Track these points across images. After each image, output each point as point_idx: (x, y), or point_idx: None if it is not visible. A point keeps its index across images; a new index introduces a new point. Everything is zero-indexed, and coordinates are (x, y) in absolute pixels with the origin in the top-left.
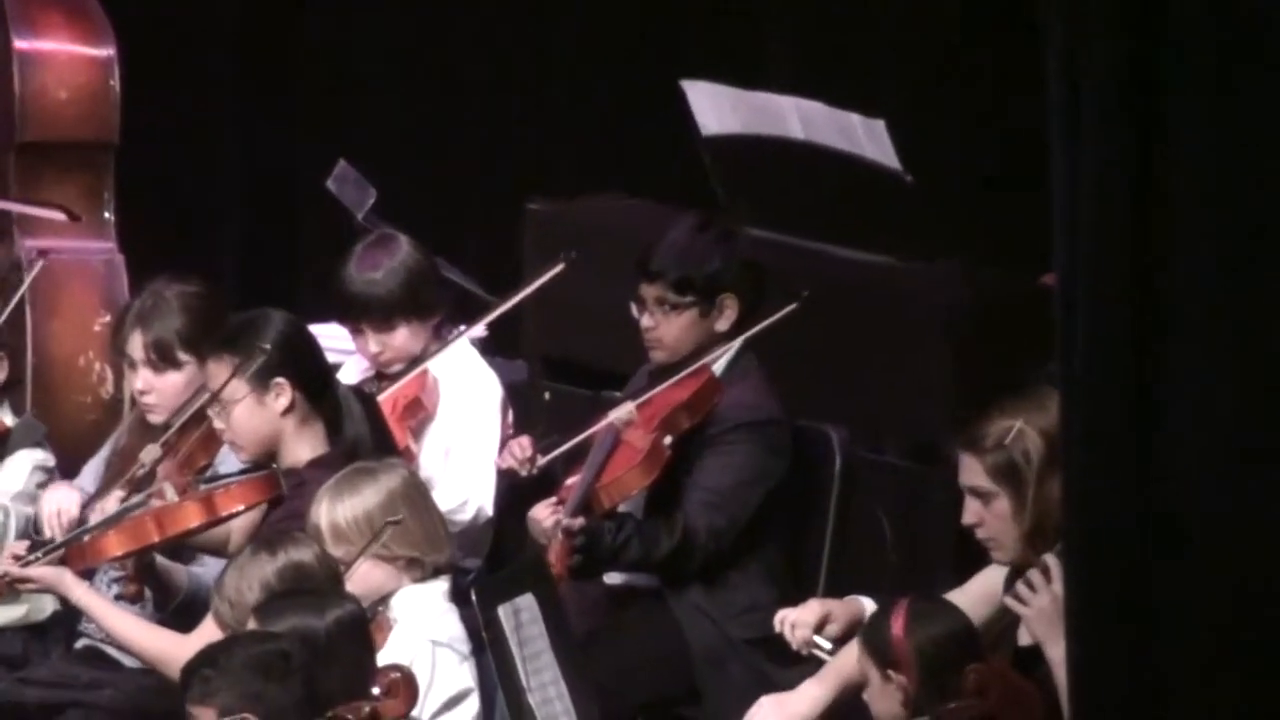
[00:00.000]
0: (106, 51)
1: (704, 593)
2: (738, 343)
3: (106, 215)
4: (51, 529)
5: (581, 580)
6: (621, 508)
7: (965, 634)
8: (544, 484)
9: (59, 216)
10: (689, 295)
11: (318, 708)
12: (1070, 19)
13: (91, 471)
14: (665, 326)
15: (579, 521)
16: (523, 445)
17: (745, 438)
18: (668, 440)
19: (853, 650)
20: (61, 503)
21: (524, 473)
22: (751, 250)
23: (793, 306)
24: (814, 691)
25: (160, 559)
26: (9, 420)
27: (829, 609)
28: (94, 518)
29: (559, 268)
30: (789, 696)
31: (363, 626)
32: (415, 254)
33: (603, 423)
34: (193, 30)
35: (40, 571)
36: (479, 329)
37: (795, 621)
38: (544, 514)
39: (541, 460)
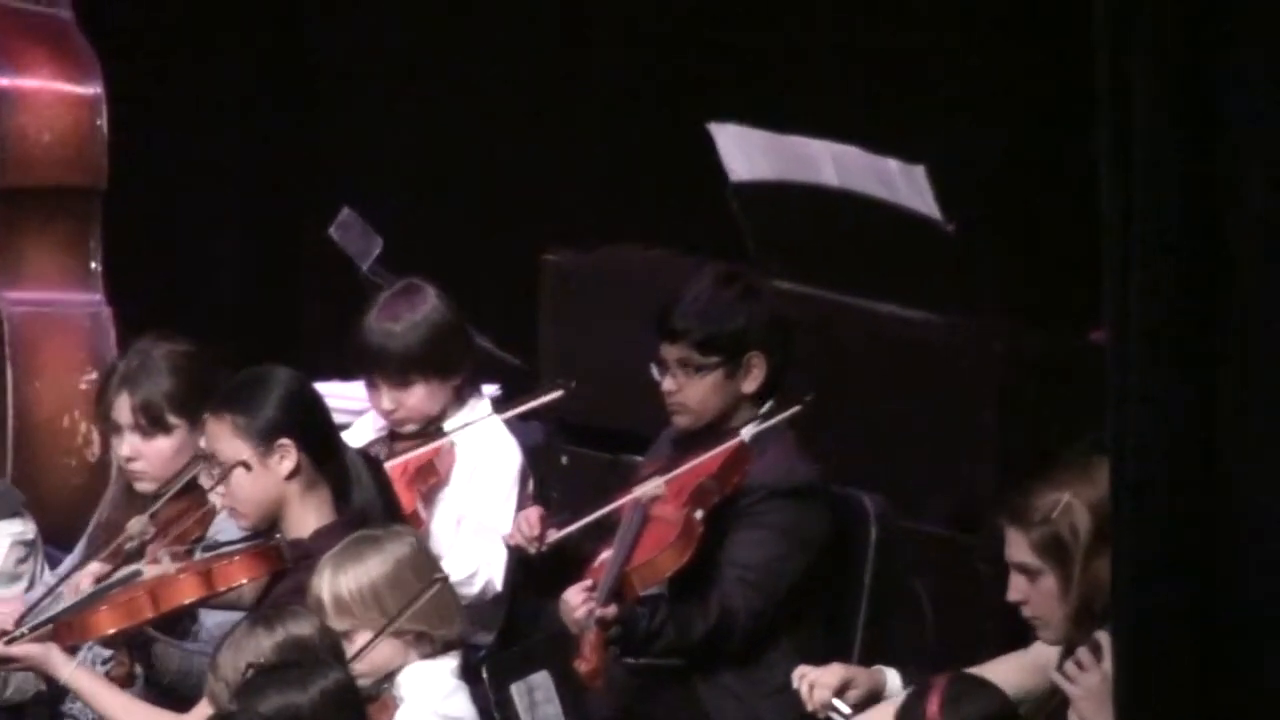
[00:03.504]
0: (93, 90)
1: (734, 672)
2: (777, 419)
3: (93, 265)
4: None
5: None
6: None
7: (1005, 714)
8: (558, 558)
9: None
10: (714, 356)
11: None
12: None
13: (79, 552)
14: (689, 389)
15: (612, 611)
16: (530, 522)
17: (780, 506)
18: (700, 515)
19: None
20: None
21: (532, 550)
22: (781, 305)
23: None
24: None
25: (153, 634)
26: None
27: (852, 674)
28: (69, 593)
29: (556, 394)
30: None
31: (352, 697)
32: (441, 308)
33: (628, 498)
34: (187, 67)
35: (26, 649)
36: (495, 390)
37: (815, 681)
38: (576, 600)
39: (553, 537)
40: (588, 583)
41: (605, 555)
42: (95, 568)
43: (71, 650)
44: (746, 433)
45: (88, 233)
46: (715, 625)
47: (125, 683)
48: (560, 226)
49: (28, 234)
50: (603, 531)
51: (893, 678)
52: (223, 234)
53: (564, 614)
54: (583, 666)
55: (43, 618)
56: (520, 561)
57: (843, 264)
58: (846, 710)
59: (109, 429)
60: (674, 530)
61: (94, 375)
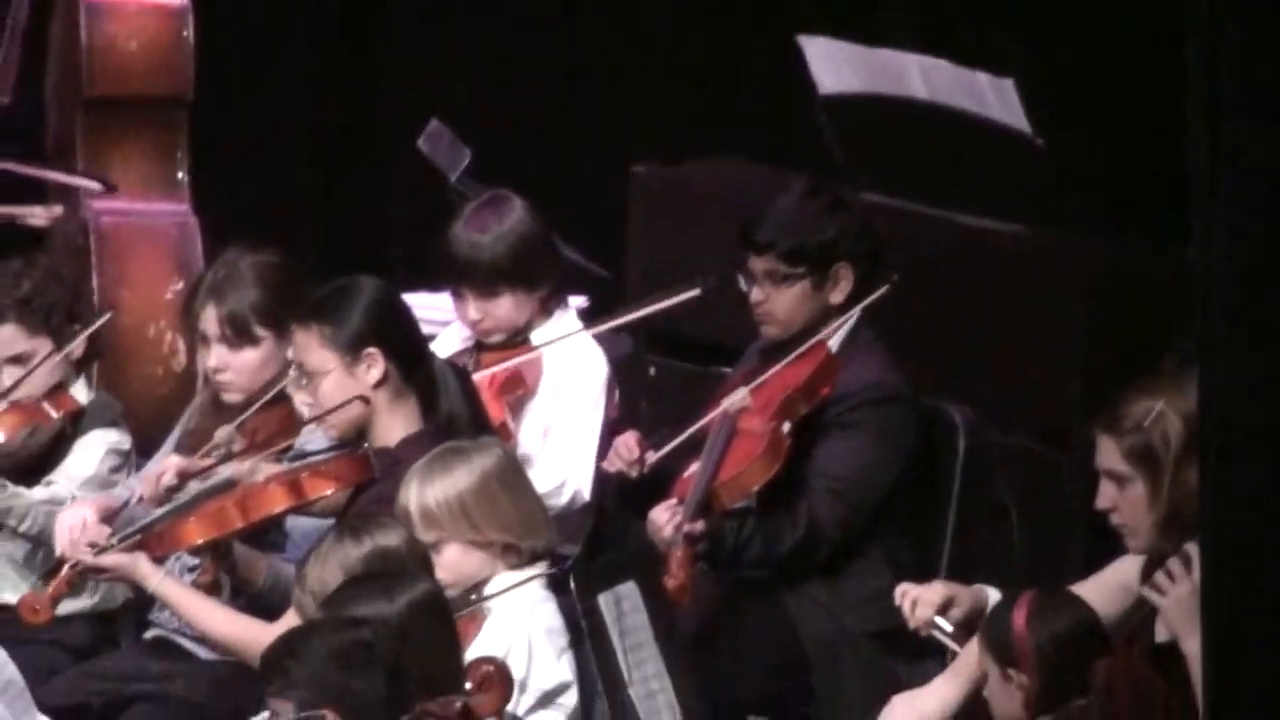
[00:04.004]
0: (179, 0)
1: (821, 583)
2: (855, 313)
3: (180, 176)
4: (62, 546)
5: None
6: None
7: (1091, 629)
8: (656, 478)
9: (94, 186)
10: (801, 266)
11: (403, 702)
12: None
13: (162, 458)
14: (776, 300)
15: (700, 527)
16: (629, 446)
17: (869, 417)
18: (787, 428)
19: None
20: (74, 520)
21: (633, 474)
22: (868, 216)
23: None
24: (946, 689)
25: (239, 546)
26: (84, 397)
27: (954, 592)
28: (145, 481)
29: (694, 292)
30: (921, 693)
31: (441, 609)
32: (528, 219)
33: (716, 411)
34: None
35: (115, 559)
36: (582, 301)
37: (918, 599)
38: (663, 518)
39: (652, 459)
40: (674, 500)
41: (693, 470)
42: (176, 460)
43: (159, 560)
44: (833, 342)
45: (174, 143)
46: (803, 537)
47: (211, 591)
48: (649, 139)
49: (115, 143)
50: (694, 445)
51: (994, 596)
52: (310, 145)
53: (651, 531)
54: (670, 583)
55: (132, 528)
56: (619, 485)
57: (931, 177)
58: (948, 628)
59: (196, 340)
60: (761, 444)
61: (180, 285)
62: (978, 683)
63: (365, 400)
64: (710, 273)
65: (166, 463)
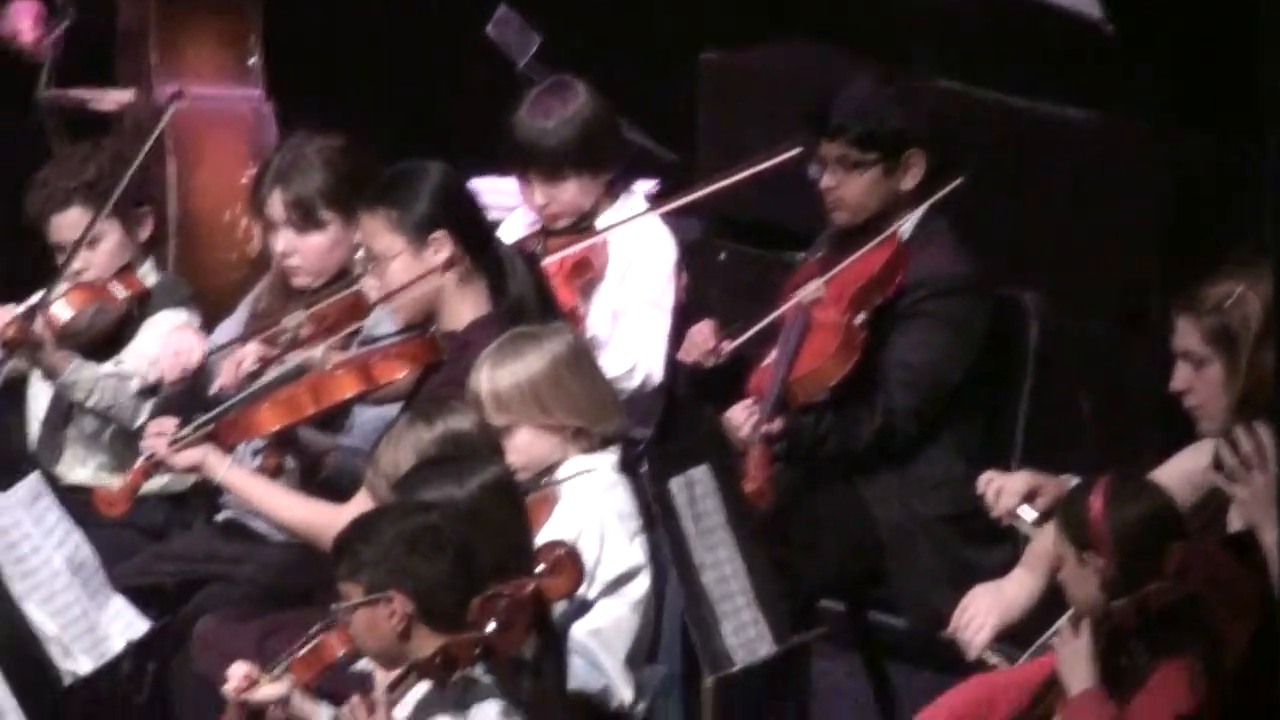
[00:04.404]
0: None
1: (893, 469)
2: (928, 204)
3: (253, 61)
4: (166, 370)
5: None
6: None
7: (1168, 514)
8: (731, 367)
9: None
10: (872, 153)
11: (476, 582)
12: None
13: (226, 334)
14: (847, 186)
15: (777, 425)
16: (705, 335)
17: (941, 307)
18: (860, 319)
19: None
20: (181, 344)
21: (709, 364)
22: (941, 103)
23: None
24: (1027, 578)
25: (306, 430)
26: (152, 279)
27: (1039, 483)
28: (222, 369)
29: (795, 151)
30: (1003, 583)
31: (511, 493)
32: (593, 104)
33: (790, 304)
34: None
35: (185, 455)
36: (652, 187)
37: (1003, 488)
38: (740, 418)
39: (727, 348)
40: (750, 400)
41: (768, 363)
42: (256, 347)
43: (230, 448)
44: (905, 230)
45: (248, 27)
46: (879, 428)
47: (276, 475)
48: (720, 23)
49: (188, 28)
50: (769, 334)
51: None
52: (380, 30)
53: (729, 431)
54: (750, 485)
55: (204, 418)
56: (693, 374)
57: (1004, 63)
58: (1031, 516)
59: (265, 224)
60: (836, 338)
61: (255, 170)
62: (1056, 571)
63: (433, 282)
64: (804, 139)
65: (246, 349)
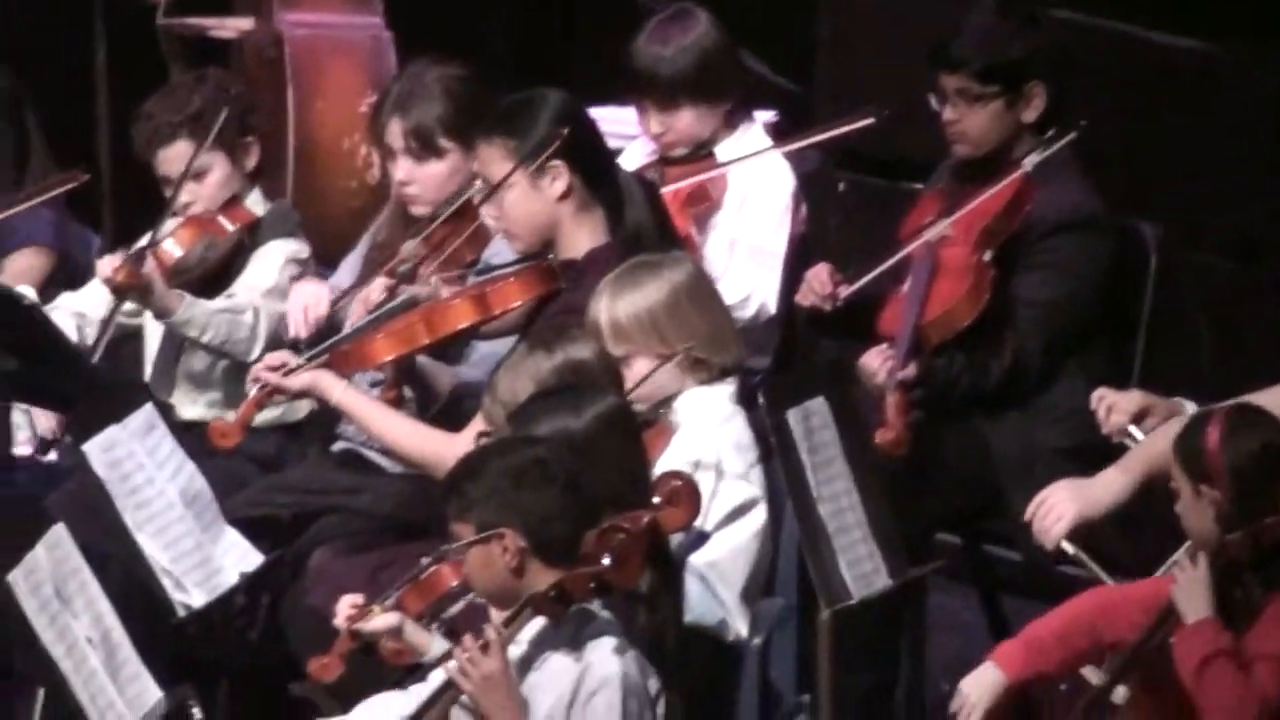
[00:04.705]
0: None
1: (1017, 402)
2: (1051, 141)
3: None
4: (297, 327)
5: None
6: None
7: None
8: (850, 308)
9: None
10: (993, 85)
11: (589, 515)
12: None
13: (348, 269)
14: (969, 119)
15: (912, 371)
16: (821, 280)
17: (1067, 240)
18: (988, 256)
19: (1161, 440)
20: (309, 298)
21: (826, 308)
22: (1061, 34)
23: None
24: (1117, 479)
25: (423, 360)
26: (260, 209)
27: (1151, 403)
28: (352, 311)
29: (868, 120)
30: (1089, 482)
31: (627, 422)
32: (713, 33)
33: (916, 243)
34: None
35: (301, 379)
36: (771, 117)
37: (1114, 405)
38: (875, 363)
39: (845, 292)
40: (884, 346)
41: (895, 305)
42: (382, 280)
43: (345, 378)
44: (1028, 163)
45: None
46: (1010, 367)
47: (395, 405)
48: None
49: None
50: (888, 275)
51: (1191, 410)
52: None
53: (863, 378)
54: (888, 435)
55: (319, 348)
56: (810, 316)
57: None
58: (1140, 437)
59: (384, 153)
60: (966, 279)
61: (374, 98)
62: (1150, 477)
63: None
64: (886, 101)
65: (372, 284)
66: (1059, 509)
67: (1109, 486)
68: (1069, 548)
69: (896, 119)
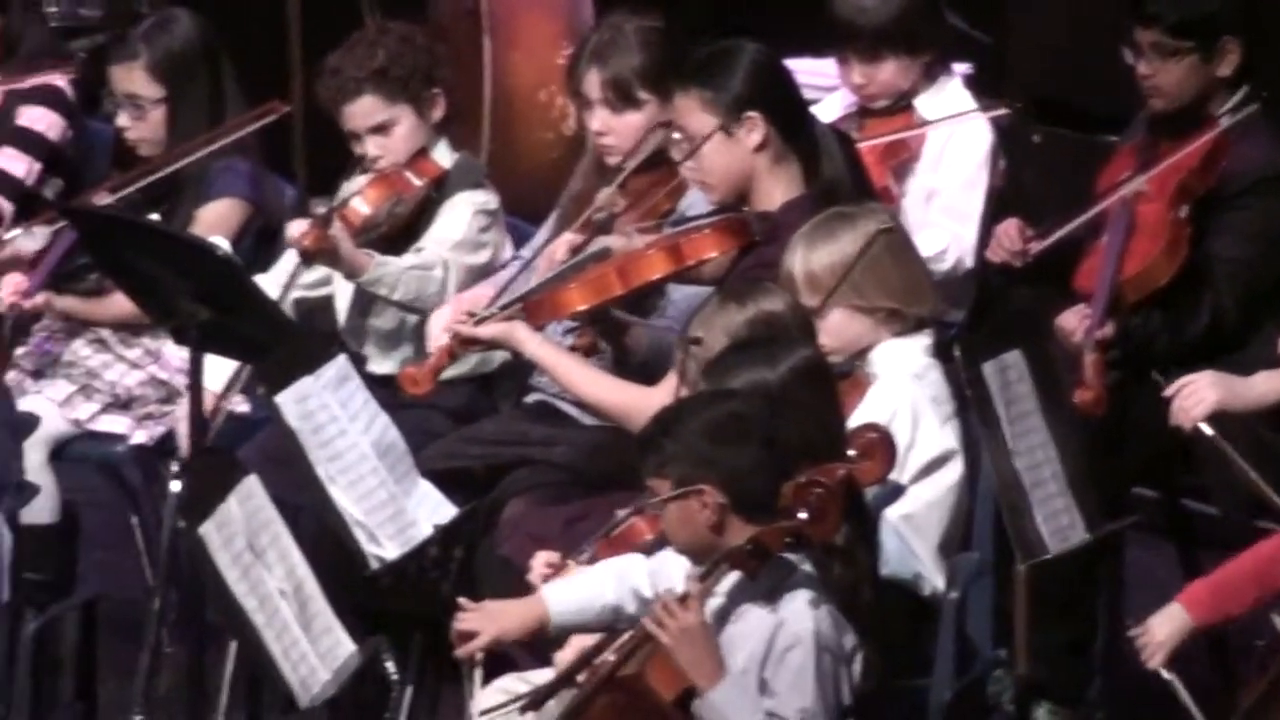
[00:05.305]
0: None
1: (1213, 357)
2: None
3: None
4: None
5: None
6: None
7: None
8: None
9: None
10: (1187, 40)
11: (785, 468)
12: None
13: (544, 236)
14: (1164, 74)
15: (1109, 330)
16: (1011, 236)
17: (1263, 195)
18: (1184, 212)
19: None
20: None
21: (1017, 264)
22: None
23: None
24: (1268, 380)
25: (617, 312)
26: (447, 161)
27: (1229, 397)
28: (543, 264)
29: (1001, 110)
30: (1237, 379)
31: (821, 374)
32: None
33: (1111, 199)
34: None
35: (493, 328)
36: (966, 68)
37: (1195, 392)
38: (1073, 322)
39: (1036, 249)
40: (1081, 306)
41: (1092, 260)
42: (570, 237)
43: (539, 329)
44: (1225, 120)
45: None
46: (1208, 324)
47: (588, 356)
48: None
49: None
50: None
51: None
52: None
53: (1061, 337)
54: (1086, 395)
55: (511, 297)
56: (1003, 271)
57: None
58: (1210, 432)
59: (580, 103)
60: (1162, 236)
61: (571, 50)
62: None
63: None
64: (1022, 98)
65: (560, 240)
66: (1201, 392)
67: (1256, 385)
68: (1207, 429)
69: (1091, 69)
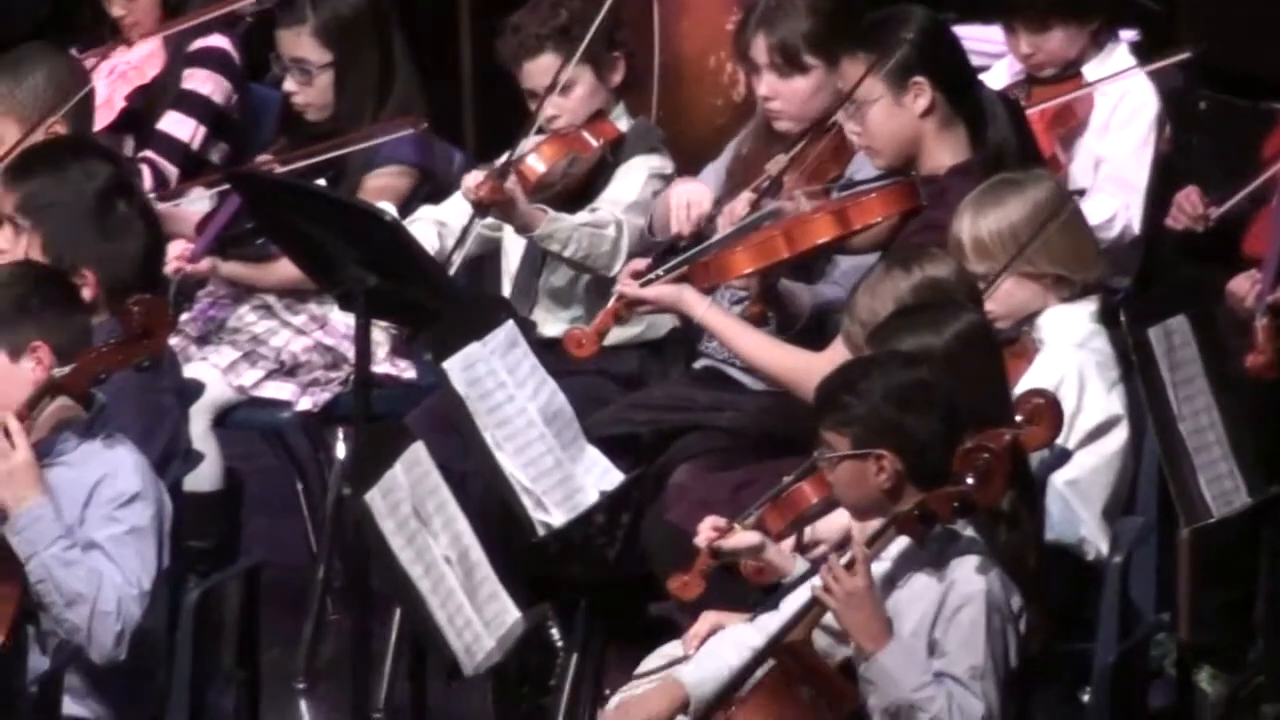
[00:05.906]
0: None
1: None
2: None
3: None
4: (680, 224)
5: None
6: None
7: None
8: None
9: None
10: None
11: (954, 436)
12: None
13: (710, 178)
14: None
15: None
16: (1192, 202)
17: None
18: None
19: None
20: (692, 195)
21: (1199, 229)
22: None
23: None
24: None
25: (784, 280)
26: (624, 125)
27: None
28: (720, 220)
29: (1184, 55)
30: None
31: (987, 339)
32: None
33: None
34: None
35: (659, 290)
36: (1133, 35)
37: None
38: (1244, 287)
39: (1216, 213)
40: (1252, 271)
41: (1261, 226)
42: (748, 195)
43: (706, 292)
44: None
45: None
46: None
47: (758, 322)
48: None
49: None
50: (1258, 198)
51: None
52: None
53: (1231, 302)
54: (1258, 359)
55: (677, 259)
56: (1179, 238)
57: None
58: None
59: (748, 69)
60: None
61: (739, 15)
62: None
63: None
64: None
65: (739, 197)
66: None
67: None
68: None
69: (1260, 36)
